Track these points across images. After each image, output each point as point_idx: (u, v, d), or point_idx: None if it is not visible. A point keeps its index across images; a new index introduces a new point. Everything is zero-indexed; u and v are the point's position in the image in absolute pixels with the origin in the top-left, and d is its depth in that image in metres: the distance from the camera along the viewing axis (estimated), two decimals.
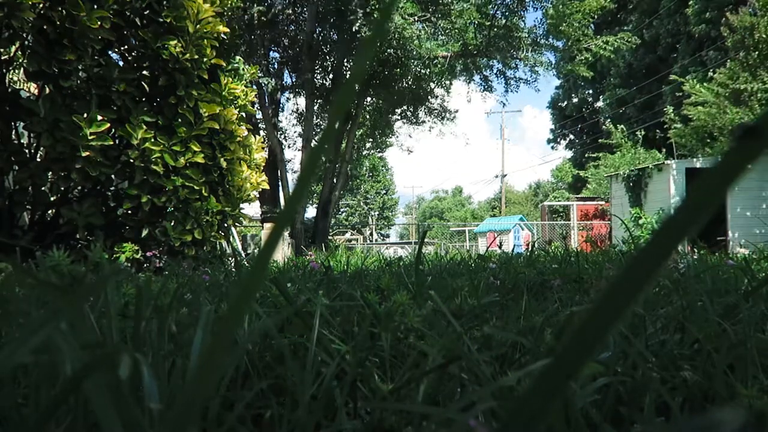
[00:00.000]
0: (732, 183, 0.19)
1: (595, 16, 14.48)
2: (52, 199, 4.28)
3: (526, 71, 15.60)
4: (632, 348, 0.88)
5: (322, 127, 16.57)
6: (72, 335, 0.47)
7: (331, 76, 15.44)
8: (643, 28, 26.87)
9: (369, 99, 16.35)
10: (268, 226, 11.81)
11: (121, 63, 4.48)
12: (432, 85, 15.53)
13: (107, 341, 0.79)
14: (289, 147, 18.42)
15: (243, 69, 5.38)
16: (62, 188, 4.18)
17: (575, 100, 37.34)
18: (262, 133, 14.38)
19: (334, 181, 15.39)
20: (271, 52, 14.81)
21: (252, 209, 15.18)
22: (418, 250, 1.54)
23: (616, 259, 2.88)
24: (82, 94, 4.10)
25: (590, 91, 36.02)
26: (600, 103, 33.74)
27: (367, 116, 17.76)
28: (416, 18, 11.83)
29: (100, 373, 0.39)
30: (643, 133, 20.78)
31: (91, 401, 0.38)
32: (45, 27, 3.81)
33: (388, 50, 12.11)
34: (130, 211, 4.32)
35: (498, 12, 13.68)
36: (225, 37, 4.81)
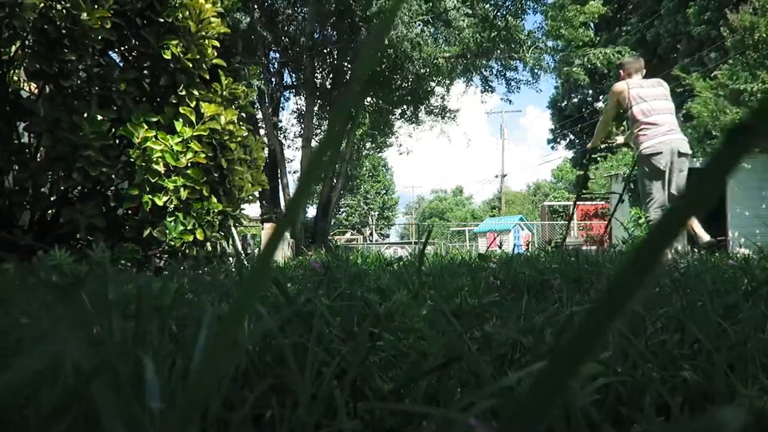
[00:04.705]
0: (725, 180, 0.19)
1: (595, 20, 14.52)
2: (52, 199, 4.27)
3: (525, 73, 15.63)
4: (632, 348, 0.88)
5: (323, 127, 16.56)
6: (75, 335, 0.47)
7: (331, 76, 15.44)
8: (643, 28, 26.84)
9: (369, 99, 16.33)
10: (268, 226, 11.81)
11: (121, 63, 4.48)
12: (432, 84, 15.54)
13: (108, 341, 0.79)
14: (288, 147, 18.42)
15: (243, 69, 5.38)
16: (62, 188, 4.18)
17: (575, 100, 37.30)
18: (262, 132, 14.38)
19: (334, 181, 15.39)
20: (271, 53, 14.81)
21: (252, 209, 15.17)
22: (421, 250, 1.54)
23: (615, 260, 2.87)
24: (83, 93, 4.10)
25: (590, 92, 35.99)
26: (600, 104, 33.70)
27: (367, 116, 17.75)
28: (417, 22, 11.84)
29: (105, 373, 0.39)
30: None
31: (97, 401, 0.38)
32: (46, 26, 3.81)
33: (389, 50, 12.11)
34: (130, 211, 4.32)
35: (498, 13, 13.69)
36: (226, 38, 4.81)
